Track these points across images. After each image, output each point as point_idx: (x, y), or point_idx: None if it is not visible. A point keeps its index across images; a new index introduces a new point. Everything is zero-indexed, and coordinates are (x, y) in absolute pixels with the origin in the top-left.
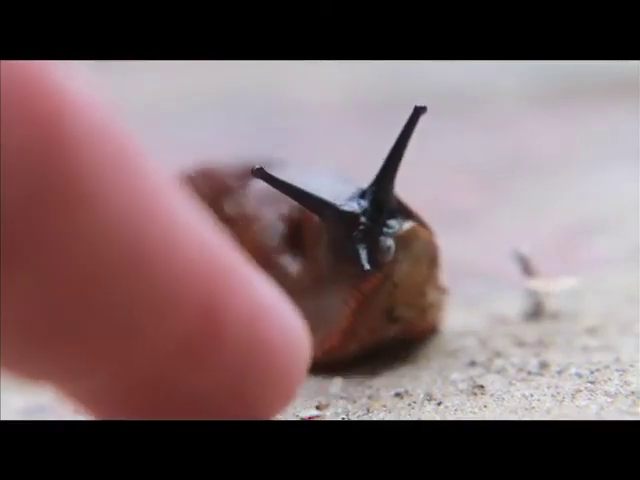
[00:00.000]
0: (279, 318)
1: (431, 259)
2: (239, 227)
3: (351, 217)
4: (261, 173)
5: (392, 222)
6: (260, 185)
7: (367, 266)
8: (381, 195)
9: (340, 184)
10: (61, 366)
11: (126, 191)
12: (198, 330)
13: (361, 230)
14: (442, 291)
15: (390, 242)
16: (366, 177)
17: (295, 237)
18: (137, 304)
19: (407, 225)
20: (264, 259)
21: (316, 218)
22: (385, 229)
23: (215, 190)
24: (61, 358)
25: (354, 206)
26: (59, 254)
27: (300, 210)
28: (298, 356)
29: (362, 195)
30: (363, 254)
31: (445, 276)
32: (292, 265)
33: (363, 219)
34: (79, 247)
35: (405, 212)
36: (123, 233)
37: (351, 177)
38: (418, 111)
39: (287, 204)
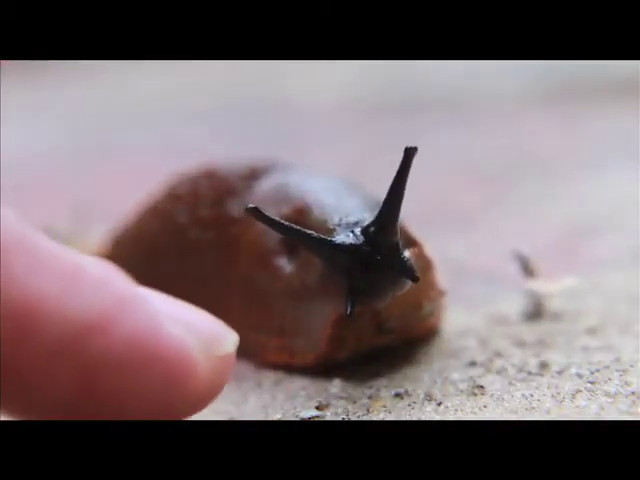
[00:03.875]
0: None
1: (423, 270)
2: (241, 227)
3: (347, 252)
4: (255, 212)
5: (391, 261)
6: (264, 186)
7: (349, 311)
8: (382, 236)
9: (345, 192)
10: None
11: None
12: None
13: (357, 268)
14: (441, 294)
15: (389, 293)
16: (366, 177)
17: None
18: None
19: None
20: (262, 259)
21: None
22: (384, 275)
23: (218, 190)
24: None
25: (350, 240)
26: None
27: (301, 214)
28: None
29: (363, 231)
30: (348, 299)
31: (445, 276)
32: (287, 266)
33: (357, 260)
34: None
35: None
36: None
37: (354, 181)
38: (409, 152)
39: (289, 207)
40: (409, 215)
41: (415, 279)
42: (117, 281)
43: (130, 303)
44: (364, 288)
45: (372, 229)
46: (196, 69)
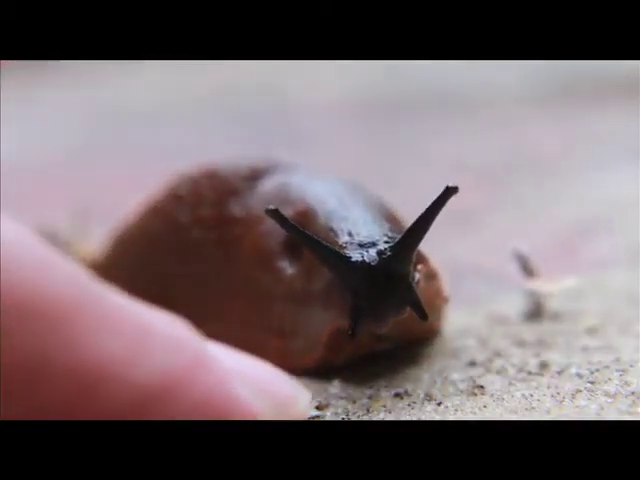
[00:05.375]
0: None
1: (428, 280)
2: (243, 228)
3: (359, 270)
4: (275, 214)
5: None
6: (266, 187)
7: (351, 332)
8: (396, 263)
9: (348, 196)
10: None
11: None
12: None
13: (365, 289)
14: (445, 300)
15: (390, 319)
16: (366, 176)
17: (296, 243)
18: None
19: None
20: (263, 260)
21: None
22: (390, 301)
23: (219, 191)
24: None
25: (365, 259)
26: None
27: (305, 216)
28: None
29: (379, 253)
30: (352, 318)
31: (446, 276)
32: (288, 269)
33: (367, 281)
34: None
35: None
36: None
37: (355, 181)
38: (449, 191)
39: (292, 209)
40: (409, 215)
41: (424, 319)
42: (189, 340)
43: (202, 365)
44: (367, 309)
45: (388, 254)
46: (196, 69)
